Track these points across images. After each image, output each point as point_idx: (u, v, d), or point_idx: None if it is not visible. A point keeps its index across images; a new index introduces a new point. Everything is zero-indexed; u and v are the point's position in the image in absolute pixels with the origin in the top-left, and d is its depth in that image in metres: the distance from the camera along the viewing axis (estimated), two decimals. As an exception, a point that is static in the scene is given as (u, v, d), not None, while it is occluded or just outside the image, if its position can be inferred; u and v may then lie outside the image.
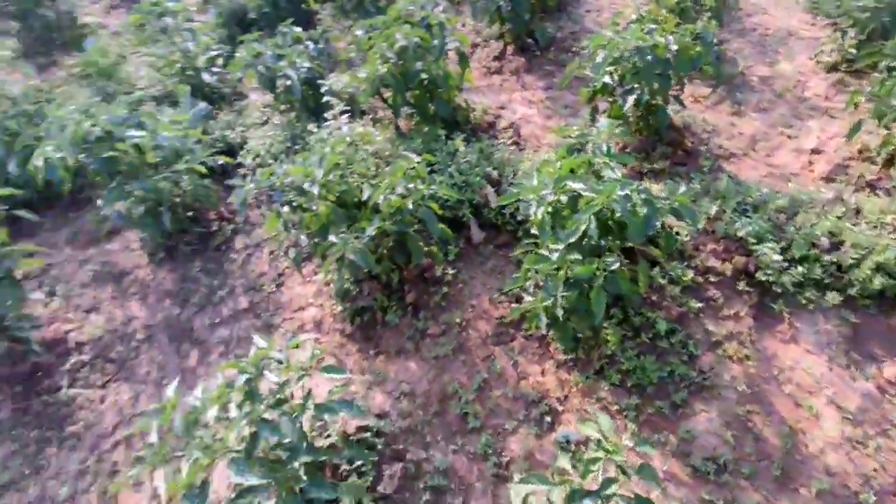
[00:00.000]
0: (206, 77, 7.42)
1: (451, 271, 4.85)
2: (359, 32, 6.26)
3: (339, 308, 4.71)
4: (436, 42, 5.97)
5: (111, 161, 5.18)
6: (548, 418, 3.95)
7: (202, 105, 6.69)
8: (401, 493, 3.65)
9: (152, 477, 2.76)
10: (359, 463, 3.63)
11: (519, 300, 4.58)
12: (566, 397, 4.06)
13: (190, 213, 5.71)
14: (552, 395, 4.07)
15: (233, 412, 3.00)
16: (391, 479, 3.67)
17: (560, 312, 3.80)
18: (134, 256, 5.65)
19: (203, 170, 5.40)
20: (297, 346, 3.32)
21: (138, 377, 4.60)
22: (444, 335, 4.49)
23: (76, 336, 4.86)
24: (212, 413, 2.84)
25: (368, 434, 3.81)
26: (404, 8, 6.27)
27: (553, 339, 4.27)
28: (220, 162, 5.83)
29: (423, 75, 5.63)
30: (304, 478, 3.01)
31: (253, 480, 2.65)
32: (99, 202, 5.15)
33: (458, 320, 4.55)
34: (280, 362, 3.11)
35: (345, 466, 3.65)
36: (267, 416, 2.87)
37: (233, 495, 3.01)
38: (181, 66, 7.41)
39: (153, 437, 2.83)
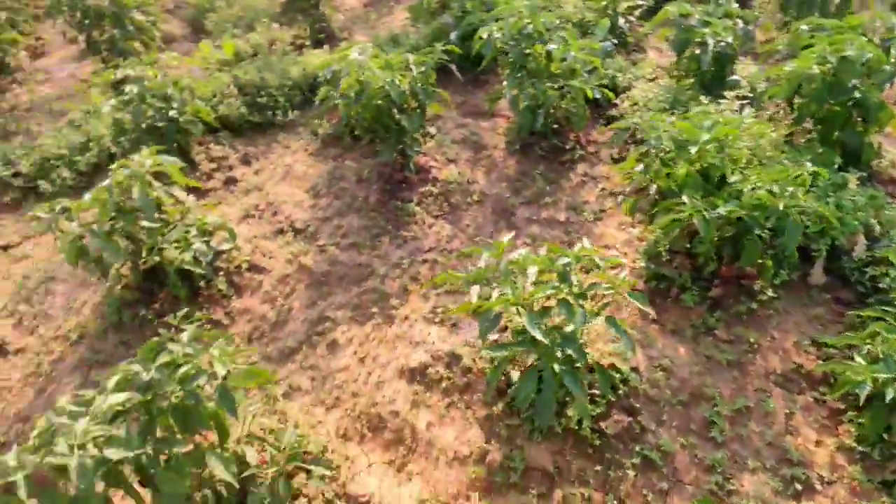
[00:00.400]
0: (620, 21, 7.63)
1: (769, 293, 4.34)
2: (804, 27, 5.62)
3: (642, 264, 4.64)
4: (886, 68, 5.04)
5: (526, 57, 5.79)
6: (797, 485, 3.42)
7: (609, 42, 6.92)
8: (615, 440, 3.62)
9: (469, 290, 3.23)
10: (596, 391, 3.69)
11: (828, 359, 3.93)
12: (831, 483, 3.44)
13: (556, 126, 6.12)
14: (815, 470, 3.48)
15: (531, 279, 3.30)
16: (614, 424, 3.66)
17: (890, 396, 3.14)
18: (496, 138, 6.36)
19: (589, 93, 5.67)
20: (612, 266, 3.41)
21: (459, 225, 5.32)
22: (729, 344, 4.12)
23: (435, 174, 5.79)
24: (531, 271, 3.16)
25: (616, 375, 3.81)
26: (870, 22, 5.40)
27: (855, 419, 3.58)
28: (600, 95, 6.03)
29: (856, 94, 4.85)
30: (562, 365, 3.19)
31: (538, 336, 2.92)
32: (505, 84, 5.81)
33: (751, 339, 4.11)
34: (598, 266, 3.25)
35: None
36: (569, 300, 3.07)
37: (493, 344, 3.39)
38: (605, 4, 7.75)
39: (481, 263, 3.30)
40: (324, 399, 4.05)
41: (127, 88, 5.92)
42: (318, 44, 8.37)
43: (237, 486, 3.00)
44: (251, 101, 6.98)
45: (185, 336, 3.16)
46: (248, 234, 5.37)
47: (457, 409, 3.89)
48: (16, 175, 6.38)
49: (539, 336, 2.93)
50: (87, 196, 4.32)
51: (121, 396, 2.86)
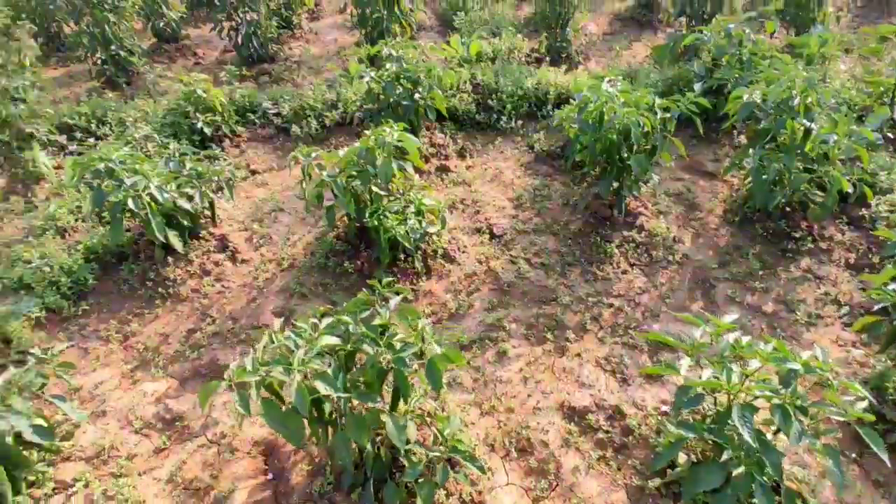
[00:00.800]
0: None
1: None
2: None
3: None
4: None
5: (783, 125, 5.29)
6: None
7: (879, 135, 6.07)
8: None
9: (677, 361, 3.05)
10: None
11: None
12: None
13: (788, 208, 5.53)
14: None
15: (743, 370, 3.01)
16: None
17: None
18: (714, 203, 5.92)
19: (845, 185, 5.01)
20: (843, 390, 2.98)
21: (654, 280, 5.06)
22: (953, 527, 3.40)
23: (642, 221, 5.56)
24: (753, 363, 2.89)
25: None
26: None
27: None
28: (854, 190, 5.31)
29: None
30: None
31: (746, 436, 2.66)
32: (751, 151, 5.40)
33: (985, 533, 3.35)
34: (829, 385, 2.86)
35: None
36: (789, 409, 2.75)
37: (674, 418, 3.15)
38: (883, 90, 6.83)
39: (696, 334, 3.10)
40: (481, 403, 4.12)
41: (387, 65, 6.53)
42: (553, 62, 8.50)
43: (403, 452, 3.17)
44: (481, 101, 7.32)
45: (392, 303, 3.40)
46: (449, 223, 5.63)
47: (607, 466, 3.72)
48: (277, 115, 7.40)
49: (748, 436, 2.66)
50: (342, 152, 4.85)
51: (333, 340, 3.17)
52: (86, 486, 3.66)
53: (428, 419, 3.76)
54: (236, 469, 3.78)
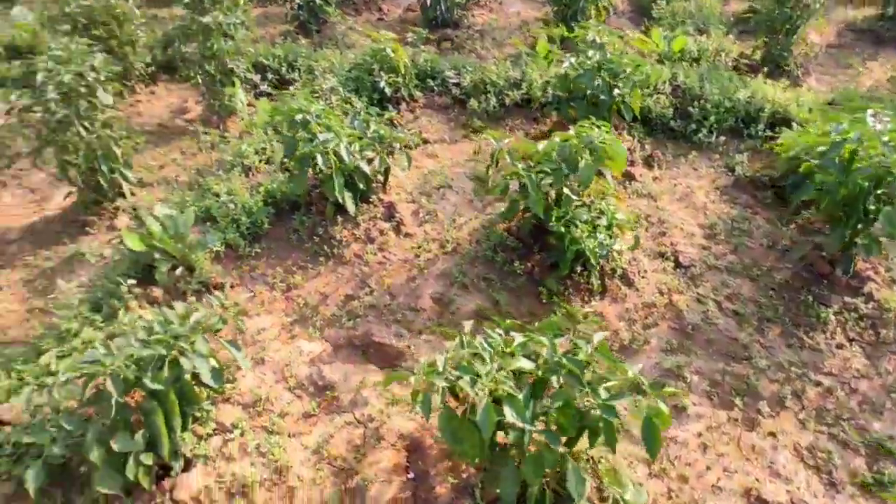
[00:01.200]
0: None
1: None
2: None
3: None
4: None
5: None
6: None
7: None
8: None
9: None
10: None
11: None
12: None
13: None
14: None
15: None
16: None
17: None
18: None
19: None
20: None
21: (878, 364, 4.13)
22: None
23: (871, 289, 4.54)
24: None
25: None
26: None
27: None
28: None
29: None
30: None
31: None
32: None
33: None
34: None
35: None
36: None
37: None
38: None
39: None
40: (650, 461, 3.61)
41: (589, 52, 5.92)
42: (769, 73, 7.33)
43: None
44: (679, 106, 6.49)
45: (596, 338, 2.97)
46: (630, 241, 5.03)
47: (798, 583, 3.08)
48: (456, 85, 7.09)
49: None
50: (541, 145, 4.41)
51: (528, 364, 2.83)
52: (241, 434, 3.69)
53: (589, 464, 3.35)
54: (380, 458, 3.62)
